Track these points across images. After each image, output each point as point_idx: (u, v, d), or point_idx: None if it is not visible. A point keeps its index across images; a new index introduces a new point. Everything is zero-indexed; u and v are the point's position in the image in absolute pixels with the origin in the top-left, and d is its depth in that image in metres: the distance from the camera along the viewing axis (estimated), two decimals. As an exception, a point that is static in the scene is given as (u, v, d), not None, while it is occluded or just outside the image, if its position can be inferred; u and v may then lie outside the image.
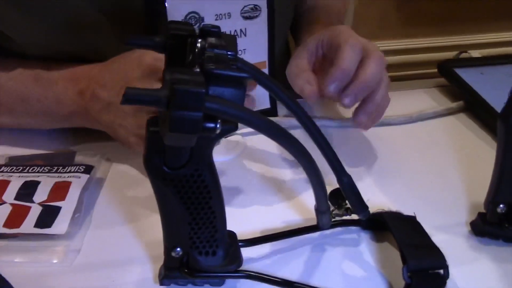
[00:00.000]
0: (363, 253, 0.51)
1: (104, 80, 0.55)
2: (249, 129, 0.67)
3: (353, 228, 0.53)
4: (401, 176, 0.61)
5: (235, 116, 0.35)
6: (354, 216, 0.51)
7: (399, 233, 0.47)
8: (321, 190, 0.44)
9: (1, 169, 0.56)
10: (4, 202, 0.52)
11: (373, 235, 0.53)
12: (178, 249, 0.44)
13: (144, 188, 0.57)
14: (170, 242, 0.44)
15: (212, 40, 0.37)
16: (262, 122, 0.36)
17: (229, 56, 0.37)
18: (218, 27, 0.38)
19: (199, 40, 0.37)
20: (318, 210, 0.47)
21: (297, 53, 0.63)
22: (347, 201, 0.49)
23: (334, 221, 0.51)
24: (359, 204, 0.47)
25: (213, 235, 0.44)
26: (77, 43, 0.59)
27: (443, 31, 1.48)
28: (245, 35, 0.61)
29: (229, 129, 0.39)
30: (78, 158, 0.59)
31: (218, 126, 0.36)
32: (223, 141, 0.65)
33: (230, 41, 0.39)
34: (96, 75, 0.56)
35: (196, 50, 0.36)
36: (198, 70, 0.35)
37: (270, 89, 0.43)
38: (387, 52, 1.47)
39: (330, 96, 0.57)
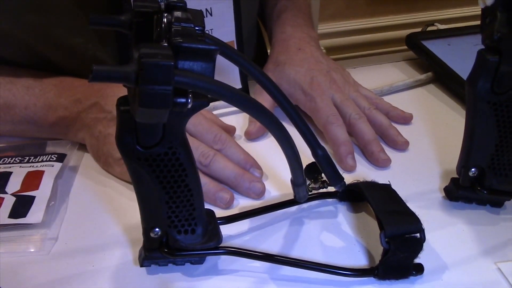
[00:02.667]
0: (341, 224, 0.51)
1: (115, 96, 0.54)
2: (224, 110, 0.67)
3: (330, 200, 0.54)
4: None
5: (205, 89, 0.35)
6: (331, 189, 0.51)
7: (375, 201, 0.48)
8: (296, 162, 0.44)
9: (-29, 163, 0.55)
10: (-24, 195, 0.51)
11: (350, 206, 0.53)
12: (157, 229, 0.44)
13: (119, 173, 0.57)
14: (148, 223, 0.44)
15: (178, 14, 0.36)
16: (233, 94, 0.36)
17: (196, 31, 0.37)
18: (184, 2, 0.38)
19: (165, 15, 0.36)
20: (294, 183, 0.47)
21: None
22: (323, 175, 0.50)
23: (311, 194, 0.52)
24: (335, 176, 0.48)
25: (191, 213, 0.44)
26: (44, 34, 0.58)
27: (410, 8, 1.50)
28: (211, 14, 0.61)
29: (201, 105, 0.39)
30: (50, 148, 0.59)
31: (189, 101, 0.36)
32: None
33: (197, 16, 0.39)
34: (102, 89, 0.57)
35: (163, 25, 0.36)
36: (166, 44, 0.35)
37: (239, 63, 0.43)
38: (356, 32, 1.48)
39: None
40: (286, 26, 0.71)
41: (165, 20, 0.36)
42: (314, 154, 0.46)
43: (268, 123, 0.40)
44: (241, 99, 0.37)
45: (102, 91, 0.57)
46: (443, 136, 0.64)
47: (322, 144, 0.46)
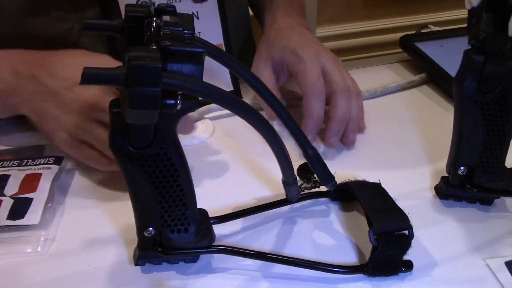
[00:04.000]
0: (333, 223, 0.52)
1: (55, 69, 0.54)
2: (217, 113, 0.68)
3: (322, 200, 0.55)
4: (366, 147, 0.63)
5: (193, 90, 0.36)
6: (323, 189, 0.52)
7: (365, 199, 0.48)
8: (286, 162, 0.45)
9: (-30, 166, 0.56)
10: (-25, 197, 0.52)
11: (341, 205, 0.54)
12: (150, 228, 0.45)
13: (114, 175, 0.58)
14: (141, 222, 0.45)
15: (167, 18, 0.37)
16: (222, 96, 0.37)
17: (185, 35, 0.38)
18: (173, 7, 0.39)
19: (154, 19, 0.37)
20: (285, 182, 0.48)
21: (258, 68, 0.66)
22: (314, 175, 0.51)
23: (303, 194, 0.53)
24: (326, 175, 0.49)
25: (183, 213, 0.45)
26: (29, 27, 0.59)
27: (406, 11, 1.51)
28: (197, 18, 0.62)
29: (190, 106, 0.40)
30: (48, 151, 0.60)
31: (178, 102, 0.37)
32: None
33: (187, 20, 0.40)
34: (43, 62, 0.56)
35: (152, 29, 0.37)
36: (155, 47, 0.36)
37: (229, 65, 0.44)
38: (353, 35, 1.49)
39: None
40: (278, 14, 0.71)
41: (154, 24, 0.37)
42: (305, 154, 0.47)
43: (257, 123, 0.41)
44: (228, 100, 0.38)
45: (41, 60, 0.56)
46: (434, 136, 0.65)
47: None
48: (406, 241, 0.45)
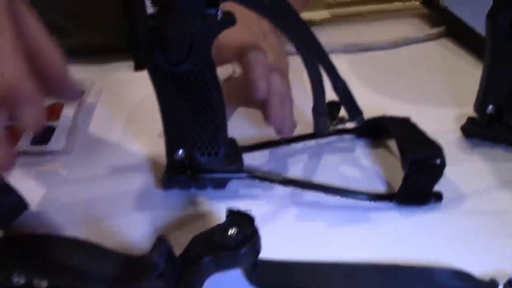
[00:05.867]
0: (360, 158, 0.52)
1: None
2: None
3: (348, 136, 0.54)
4: (389, 93, 0.62)
5: None
6: (349, 126, 0.52)
7: (395, 130, 0.48)
8: (320, 87, 0.45)
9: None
10: (-4, 125, 0.51)
11: (368, 142, 0.54)
12: (181, 151, 0.44)
13: (139, 108, 0.57)
14: (172, 144, 0.44)
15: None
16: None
17: None
18: None
19: None
20: (316, 110, 0.48)
21: None
22: (341, 113, 0.50)
23: (329, 130, 0.52)
24: (354, 109, 0.48)
25: (214, 136, 0.44)
26: None
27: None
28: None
29: (230, 21, 0.39)
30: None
31: (219, 13, 0.36)
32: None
33: None
34: None
35: None
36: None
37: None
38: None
39: None
40: None
41: None
42: (335, 86, 0.47)
43: (306, 40, 0.40)
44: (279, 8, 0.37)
45: None
46: (459, 84, 0.64)
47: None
48: (438, 170, 0.45)
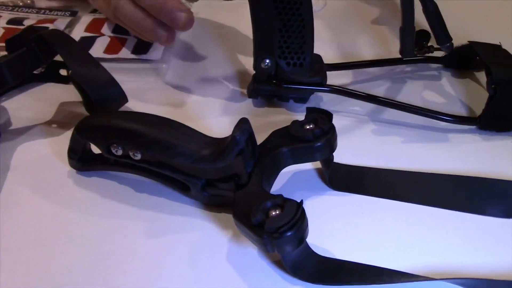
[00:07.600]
0: (444, 86, 0.52)
1: None
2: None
3: (435, 66, 0.54)
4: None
5: None
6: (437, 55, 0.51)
7: (485, 53, 0.47)
8: (409, 4, 0.45)
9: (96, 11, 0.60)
10: (103, 35, 0.56)
11: (454, 72, 0.53)
12: (267, 60, 0.46)
13: (233, 27, 0.61)
14: (260, 52, 0.46)
15: None
16: None
17: None
18: None
19: None
20: (404, 29, 0.47)
21: None
22: (429, 44, 0.50)
23: (416, 57, 0.52)
24: (443, 34, 0.48)
25: (301, 46, 0.46)
26: None
27: None
28: None
29: None
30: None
31: None
32: None
33: None
34: None
35: None
36: None
37: None
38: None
39: None
40: None
41: None
42: (425, 9, 0.46)
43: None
44: None
45: None
46: None
47: None
48: (524, 94, 0.44)
